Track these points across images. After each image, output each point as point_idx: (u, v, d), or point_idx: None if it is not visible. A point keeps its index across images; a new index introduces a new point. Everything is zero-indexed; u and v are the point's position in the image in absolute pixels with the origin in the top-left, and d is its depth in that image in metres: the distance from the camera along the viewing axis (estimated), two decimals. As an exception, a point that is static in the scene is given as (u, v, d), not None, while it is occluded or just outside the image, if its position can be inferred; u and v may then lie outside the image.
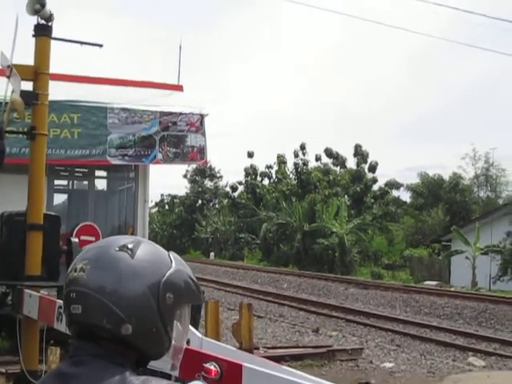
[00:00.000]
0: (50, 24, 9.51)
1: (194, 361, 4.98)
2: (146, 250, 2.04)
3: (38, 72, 9.37)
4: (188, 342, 6.14)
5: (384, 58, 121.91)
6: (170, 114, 17.21)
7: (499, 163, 59.43)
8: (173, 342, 2.11)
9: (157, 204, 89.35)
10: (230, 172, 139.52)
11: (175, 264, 2.07)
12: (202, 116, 17.55)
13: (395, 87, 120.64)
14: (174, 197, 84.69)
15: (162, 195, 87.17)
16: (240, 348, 10.01)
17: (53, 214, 10.75)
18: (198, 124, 17.45)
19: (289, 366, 12.80)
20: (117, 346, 1.97)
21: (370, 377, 12.65)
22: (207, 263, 53.65)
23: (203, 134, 17.53)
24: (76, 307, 1.96)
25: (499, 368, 14.85)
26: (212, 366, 4.76)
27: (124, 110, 16.86)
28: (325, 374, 12.53)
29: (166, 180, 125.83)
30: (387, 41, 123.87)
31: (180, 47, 18.68)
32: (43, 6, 9.25)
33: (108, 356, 1.95)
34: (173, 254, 2.13)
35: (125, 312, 1.93)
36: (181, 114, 17.29)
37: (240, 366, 4.63)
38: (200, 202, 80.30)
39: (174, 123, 17.24)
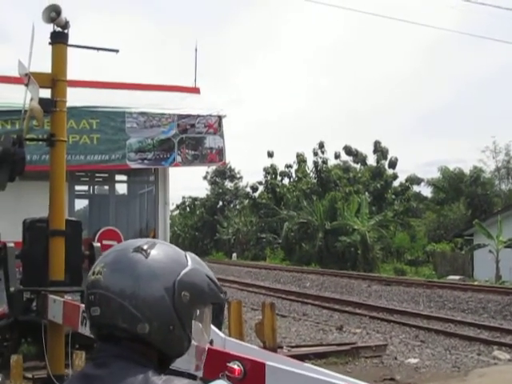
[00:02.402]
0: (65, 31, 9.60)
1: (217, 360, 5.02)
2: (161, 250, 2.08)
3: (55, 79, 9.46)
4: (211, 343, 6.19)
5: (400, 52, 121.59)
6: (188, 116, 17.27)
7: (520, 155, 59.08)
8: (193, 341, 2.15)
9: (178, 206, 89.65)
10: (250, 173, 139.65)
11: (191, 263, 2.10)
12: (219, 117, 17.60)
13: (412, 82, 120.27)
14: (195, 199, 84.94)
15: (183, 197, 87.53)
16: (264, 347, 10.05)
17: (74, 219, 10.85)
18: (216, 125, 17.50)
19: (313, 364, 12.84)
20: (137, 346, 2.00)
21: (395, 373, 12.62)
22: (230, 264, 53.72)
23: (221, 136, 17.57)
24: (95, 309, 2.02)
25: (525, 361, 14.79)
26: (235, 365, 4.81)
27: (142, 114, 16.93)
28: (350, 371, 12.52)
29: (187, 182, 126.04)
30: (401, 35, 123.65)
31: (196, 50, 18.78)
32: (59, 13, 9.34)
33: (130, 356, 1.99)
34: (190, 255, 2.17)
35: (140, 311, 1.97)
36: (199, 116, 17.35)
37: (263, 365, 4.66)
38: (221, 203, 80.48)
39: (192, 125, 17.29)
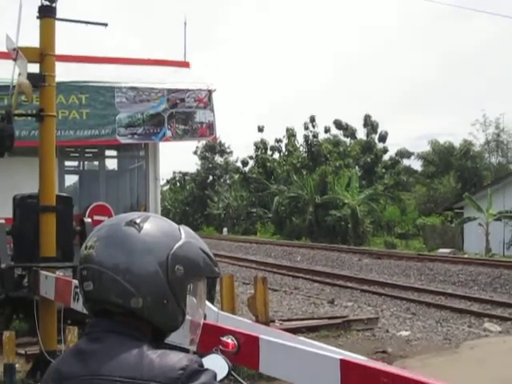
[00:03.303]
0: (53, 5, 9.50)
1: (210, 335, 5.01)
2: (154, 223, 2.05)
3: (43, 54, 9.38)
4: (204, 317, 6.20)
5: (390, 24, 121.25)
6: (178, 90, 17.19)
7: (510, 128, 59.17)
8: (188, 316, 2.13)
9: (168, 181, 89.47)
10: (240, 147, 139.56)
11: (185, 237, 2.07)
12: (209, 92, 17.52)
13: (403, 55, 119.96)
14: (185, 174, 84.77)
15: (173, 173, 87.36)
16: (256, 321, 10.06)
17: (65, 195, 10.82)
18: (206, 100, 17.43)
19: (305, 337, 12.89)
20: (131, 321, 1.98)
21: (387, 345, 12.67)
22: (220, 239, 53.78)
23: (212, 110, 17.51)
24: (88, 284, 1.99)
25: (515, 333, 14.89)
26: (229, 340, 4.77)
27: (131, 88, 16.85)
28: (341, 344, 12.55)
29: (177, 157, 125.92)
30: (390, 6, 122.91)
31: (185, 23, 18.65)
32: (47, -13, 9.24)
33: (124, 331, 1.97)
34: (184, 228, 2.14)
35: (134, 285, 1.94)
36: (188, 90, 17.27)
37: (257, 339, 4.66)
38: (211, 178, 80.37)
39: (182, 100, 17.22)
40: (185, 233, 2.10)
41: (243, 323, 5.60)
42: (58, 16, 9.54)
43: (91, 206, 17.29)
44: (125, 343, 1.93)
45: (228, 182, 79.49)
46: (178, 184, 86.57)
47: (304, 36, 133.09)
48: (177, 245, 2.03)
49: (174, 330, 2.13)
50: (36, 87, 9.28)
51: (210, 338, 5.02)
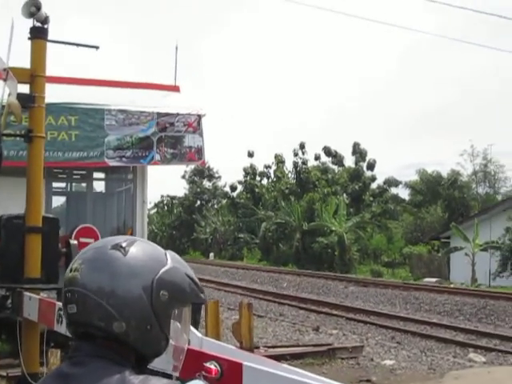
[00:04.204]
0: (45, 26, 9.50)
1: (194, 360, 4.98)
2: (140, 248, 2.04)
3: (34, 75, 9.36)
4: (188, 342, 6.17)
5: (379, 54, 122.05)
6: (167, 114, 17.17)
7: (497, 159, 59.67)
8: (171, 341, 2.12)
9: (156, 205, 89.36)
10: (229, 172, 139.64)
11: (171, 262, 2.07)
12: (199, 116, 17.52)
13: (392, 85, 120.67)
14: (173, 198, 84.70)
15: (161, 196, 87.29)
16: (240, 347, 10.00)
17: (51, 216, 10.74)
18: (195, 124, 17.42)
19: (289, 364, 12.82)
20: (114, 345, 1.97)
21: (371, 374, 12.64)
22: (207, 263, 53.66)
23: (201, 135, 17.50)
24: (71, 307, 1.98)
25: (500, 363, 14.85)
26: (212, 366, 4.76)
27: (121, 111, 16.82)
28: (326, 372, 12.52)
29: (165, 181, 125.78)
30: (379, 37, 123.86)
31: (176, 48, 18.66)
32: (39, 8, 9.26)
33: (107, 356, 1.96)
34: (170, 253, 2.13)
35: (117, 309, 1.94)
36: (178, 114, 17.25)
37: (240, 365, 4.63)
38: (199, 202, 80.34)
39: (172, 124, 17.20)
40: (171, 258, 2.10)
41: (227, 349, 5.57)
42: (49, 37, 9.54)
43: (77, 228, 17.19)
44: (107, 368, 1.92)
45: (216, 206, 79.46)
46: (166, 208, 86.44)
47: (295, 63, 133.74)
48: (162, 270, 2.03)
49: (157, 355, 2.12)
50: (25, 108, 9.26)
51: (193, 363, 5.00)
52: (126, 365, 1.96)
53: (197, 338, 6.00)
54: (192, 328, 6.24)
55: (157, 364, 2.20)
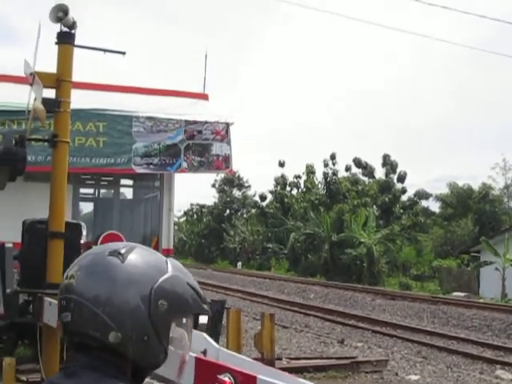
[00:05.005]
0: (72, 32, 9.50)
1: (208, 372, 4.89)
2: (139, 255, 1.96)
3: (60, 79, 9.36)
4: (205, 353, 6.07)
5: (415, 65, 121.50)
6: (195, 122, 17.20)
7: (529, 173, 58.94)
8: (175, 350, 2.03)
9: (185, 213, 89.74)
10: (259, 181, 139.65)
11: (172, 270, 1.98)
12: (227, 124, 17.51)
13: (426, 94, 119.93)
14: (203, 206, 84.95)
15: (191, 204, 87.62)
16: (262, 358, 9.90)
17: (75, 222, 10.76)
18: (223, 133, 17.42)
19: (312, 377, 12.71)
20: (109, 356, 1.89)
21: (395, 389, 12.48)
22: (234, 273, 53.57)
23: (228, 143, 17.49)
24: (66, 315, 1.90)
25: (528, 381, 14.60)
26: (226, 378, 4.67)
27: (149, 118, 16.87)
28: (348, 385, 12.38)
29: (195, 189, 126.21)
30: (407, 44, 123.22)
31: (206, 56, 18.71)
32: (66, 13, 9.25)
33: (101, 368, 1.88)
34: (171, 261, 2.05)
35: (113, 319, 1.85)
36: (206, 122, 17.27)
37: (254, 378, 4.53)
38: (228, 211, 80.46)
39: (199, 132, 17.22)
40: (172, 266, 2.01)
41: (243, 361, 5.47)
42: (77, 42, 9.54)
43: (103, 235, 17.25)
44: (101, 380, 1.84)
45: (245, 216, 79.48)
46: (195, 216, 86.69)
47: (325, 69, 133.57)
48: (162, 278, 1.94)
49: (154, 367, 2.02)
50: (51, 112, 9.25)
51: (208, 375, 4.92)
52: (120, 378, 1.88)
53: (214, 349, 5.92)
54: (209, 338, 6.16)
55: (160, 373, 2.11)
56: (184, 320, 2.04)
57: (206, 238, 78.98)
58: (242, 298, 32.07)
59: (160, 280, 1.93)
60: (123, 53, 10.86)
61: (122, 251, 1.94)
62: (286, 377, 4.85)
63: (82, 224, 25.06)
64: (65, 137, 9.43)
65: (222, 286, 39.10)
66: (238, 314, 9.61)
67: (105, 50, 10.77)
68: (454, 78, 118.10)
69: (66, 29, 9.46)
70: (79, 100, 16.04)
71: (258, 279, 45.10)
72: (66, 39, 9.43)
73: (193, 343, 6.03)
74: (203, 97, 18.46)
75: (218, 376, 4.69)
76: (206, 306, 2.11)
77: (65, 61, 9.50)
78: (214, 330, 8.99)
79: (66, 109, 9.47)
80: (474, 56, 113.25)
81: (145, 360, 1.94)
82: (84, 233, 21.43)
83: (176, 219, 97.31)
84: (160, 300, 1.91)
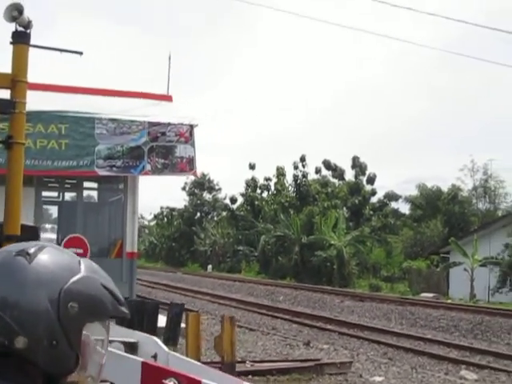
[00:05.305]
0: (28, 31, 9.35)
1: (154, 376, 4.79)
2: (49, 255, 1.84)
3: (15, 80, 9.19)
4: (155, 357, 5.97)
5: (383, 67, 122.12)
6: (159, 124, 17.03)
7: (498, 175, 59.31)
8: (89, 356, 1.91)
9: (156, 216, 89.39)
10: (229, 184, 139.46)
11: (84, 271, 1.86)
12: (191, 126, 17.36)
13: (394, 96, 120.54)
14: (173, 209, 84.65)
15: (161, 208, 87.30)
16: (222, 362, 9.79)
17: (30, 224, 10.57)
18: (187, 134, 17.26)
19: (276, 380, 12.62)
20: (17, 363, 1.77)
21: (359, 391, 12.38)
22: (204, 276, 53.39)
23: (192, 145, 17.33)
24: None
25: (491, 382, 14.56)
26: (171, 382, 4.58)
27: (112, 120, 16.69)
28: (312, 388, 12.28)
29: (166, 192, 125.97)
30: (377, 47, 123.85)
31: (169, 58, 18.53)
32: (21, 12, 9.09)
33: (7, 375, 1.76)
34: (85, 261, 1.92)
35: (19, 323, 1.73)
36: (170, 124, 17.12)
37: (199, 382, 4.44)
38: (199, 214, 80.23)
39: (163, 134, 17.06)
40: (85, 267, 1.89)
41: (192, 365, 5.37)
42: (35, 43, 9.40)
43: (66, 238, 17.04)
44: (6, 389, 1.72)
45: (215, 218, 79.29)
46: (166, 219, 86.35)
47: (295, 72, 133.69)
48: (72, 279, 1.82)
49: (66, 374, 1.89)
50: (5, 113, 9.10)
51: (154, 379, 4.81)
52: (29, 386, 1.75)
53: (164, 353, 5.82)
54: (159, 342, 6.06)
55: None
56: (98, 323, 1.92)
57: (176, 241, 78.66)
58: (211, 301, 31.93)
59: (70, 281, 1.81)
60: (80, 53, 10.70)
61: (31, 251, 1.83)
62: (232, 381, 4.77)
63: (54, 226, 24.85)
64: (20, 138, 9.26)
65: (192, 289, 38.92)
66: (197, 317, 9.49)
67: (61, 50, 10.59)
68: (424, 81, 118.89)
69: (21, 28, 9.30)
70: (40, 102, 15.89)
71: (228, 282, 44.98)
72: (21, 39, 9.28)
73: (144, 347, 5.92)
74: (167, 98, 18.28)
75: (164, 381, 4.60)
76: (124, 309, 2.00)
77: (20, 61, 9.34)
78: (172, 332, 8.86)
79: (22, 110, 9.31)
80: (441, 58, 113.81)
81: (54, 366, 1.82)
82: (54, 236, 21.27)
83: (146, 223, 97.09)
84: (70, 302, 1.79)
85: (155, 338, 5.89)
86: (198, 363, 5.73)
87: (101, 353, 1.98)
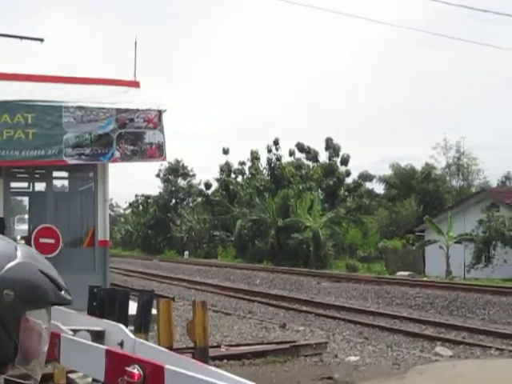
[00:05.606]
0: (-13, 19, 9.19)
1: (118, 364, 4.71)
2: None
3: (-26, 69, 9.05)
4: (122, 344, 5.88)
5: (352, 46, 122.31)
6: (127, 110, 16.85)
7: (470, 152, 59.73)
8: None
9: (131, 204, 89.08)
10: (203, 170, 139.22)
11: (21, 257, 1.80)
12: (159, 112, 17.19)
13: (366, 78, 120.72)
14: (148, 197, 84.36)
15: (136, 195, 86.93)
16: (194, 347, 9.74)
17: (-4, 216, 10.45)
18: (155, 120, 17.09)
19: (251, 363, 12.58)
20: None
21: (334, 371, 12.28)
22: (181, 262, 53.31)
23: (161, 131, 17.17)
24: None
25: (466, 357, 14.65)
26: (135, 370, 4.51)
27: (79, 108, 16.50)
28: (288, 370, 12.21)
29: (140, 180, 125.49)
30: (348, 28, 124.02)
31: (135, 43, 18.29)
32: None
33: None
34: (23, 247, 1.86)
35: None
36: (138, 110, 16.94)
37: (162, 368, 4.38)
38: (174, 201, 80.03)
39: (131, 120, 16.88)
40: (22, 252, 1.83)
41: (158, 351, 5.30)
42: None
43: (37, 229, 16.87)
44: None
45: (191, 204, 79.12)
46: (141, 207, 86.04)
47: (269, 56, 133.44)
48: (7, 266, 1.76)
49: (4, 364, 1.83)
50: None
51: (118, 367, 4.73)
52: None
53: (130, 340, 5.73)
54: (125, 330, 5.97)
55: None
56: (38, 311, 1.86)
57: (152, 228, 78.42)
58: (187, 287, 31.91)
59: (5, 268, 1.76)
60: (41, 39, 10.58)
61: None
62: (196, 365, 4.71)
63: (24, 217, 24.56)
64: (-18, 128, 9.12)
65: (168, 276, 38.85)
66: (168, 303, 9.42)
67: (22, 38, 10.47)
68: (397, 62, 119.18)
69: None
70: (5, 91, 15.67)
71: (205, 267, 44.97)
72: (-21, 27, 9.12)
73: (110, 335, 5.77)
74: (134, 84, 18.07)
75: (127, 368, 4.53)
76: (65, 295, 1.93)
77: (-21, 50, 9.19)
78: (144, 320, 8.77)
79: (-18, 99, 9.16)
80: (416, 39, 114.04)
81: None
82: (25, 227, 21.03)
83: (122, 211, 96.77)
84: (5, 290, 1.74)
85: (121, 326, 5.80)
86: (165, 349, 5.66)
87: (44, 340, 1.92)
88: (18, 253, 1.82)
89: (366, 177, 66.22)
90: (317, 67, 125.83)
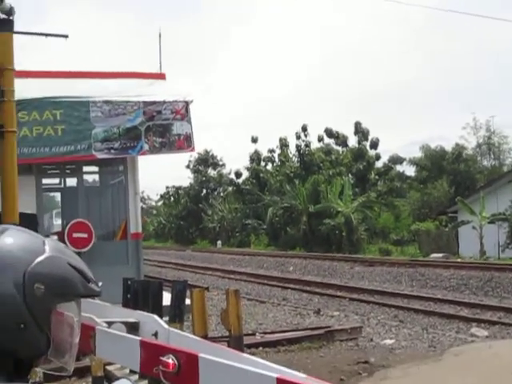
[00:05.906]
0: (11, 18, 9.28)
1: (152, 354, 4.77)
2: (11, 237, 1.82)
3: (1, 68, 9.18)
4: (156, 335, 5.94)
5: (383, 33, 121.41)
6: (154, 103, 16.94)
7: (501, 131, 59.06)
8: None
9: (162, 196, 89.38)
10: (233, 159, 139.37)
11: (50, 251, 1.83)
12: (186, 103, 17.26)
13: (390, 62, 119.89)
14: (179, 188, 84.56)
15: (167, 187, 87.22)
16: (229, 336, 9.79)
17: (29, 212, 10.57)
18: (183, 111, 17.16)
19: (286, 349, 12.63)
20: None
21: (370, 355, 12.30)
22: (214, 252, 53.48)
23: (189, 122, 17.24)
24: None
25: (502, 337, 14.55)
26: (169, 359, 4.55)
27: (106, 102, 16.61)
28: (323, 355, 12.24)
29: (171, 172, 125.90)
30: (380, 15, 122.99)
31: (159, 35, 18.35)
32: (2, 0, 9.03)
33: None
34: (51, 241, 1.89)
35: None
36: (165, 102, 17.02)
37: (196, 357, 4.41)
38: (205, 191, 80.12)
39: (159, 112, 16.97)
40: (50, 247, 1.85)
41: (193, 341, 5.35)
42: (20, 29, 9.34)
43: (70, 224, 17.04)
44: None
45: (222, 194, 79.20)
46: (172, 198, 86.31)
47: (292, 42, 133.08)
48: (36, 260, 1.79)
49: (37, 357, 1.86)
50: (-6, 102, 9.07)
51: (152, 357, 4.78)
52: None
53: (164, 331, 5.79)
54: (160, 320, 6.03)
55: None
56: (68, 303, 1.89)
57: (184, 219, 78.64)
58: (221, 276, 32.01)
59: (34, 262, 1.78)
60: (66, 36, 10.64)
61: None
62: (229, 353, 4.75)
63: (55, 213, 24.75)
64: (11, 126, 9.25)
65: (201, 266, 38.99)
66: (202, 293, 9.46)
67: (46, 35, 10.54)
68: (424, 42, 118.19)
69: (3, 16, 9.24)
70: (34, 89, 15.81)
71: (238, 256, 45.03)
72: (4, 26, 9.22)
73: (145, 326, 5.84)
74: (160, 76, 18.13)
75: (161, 358, 4.57)
76: (94, 287, 1.96)
77: (5, 49, 9.31)
78: (177, 310, 8.87)
79: (10, 98, 9.28)
80: (444, 19, 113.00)
81: (23, 350, 1.79)
82: (58, 222, 21.20)
83: (153, 203, 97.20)
84: (36, 284, 1.76)
85: (156, 317, 5.86)
86: (199, 338, 5.71)
87: (76, 332, 1.95)
88: (46, 247, 1.85)
89: (396, 160, 65.76)
90: (346, 48, 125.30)
